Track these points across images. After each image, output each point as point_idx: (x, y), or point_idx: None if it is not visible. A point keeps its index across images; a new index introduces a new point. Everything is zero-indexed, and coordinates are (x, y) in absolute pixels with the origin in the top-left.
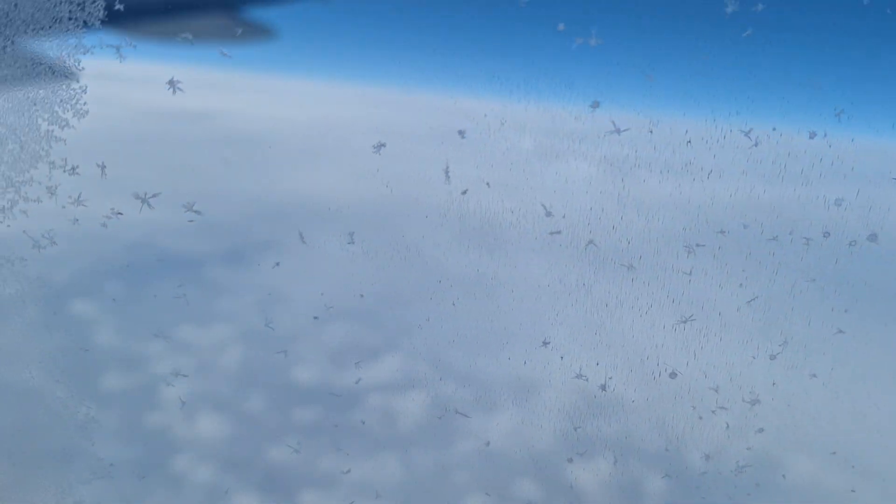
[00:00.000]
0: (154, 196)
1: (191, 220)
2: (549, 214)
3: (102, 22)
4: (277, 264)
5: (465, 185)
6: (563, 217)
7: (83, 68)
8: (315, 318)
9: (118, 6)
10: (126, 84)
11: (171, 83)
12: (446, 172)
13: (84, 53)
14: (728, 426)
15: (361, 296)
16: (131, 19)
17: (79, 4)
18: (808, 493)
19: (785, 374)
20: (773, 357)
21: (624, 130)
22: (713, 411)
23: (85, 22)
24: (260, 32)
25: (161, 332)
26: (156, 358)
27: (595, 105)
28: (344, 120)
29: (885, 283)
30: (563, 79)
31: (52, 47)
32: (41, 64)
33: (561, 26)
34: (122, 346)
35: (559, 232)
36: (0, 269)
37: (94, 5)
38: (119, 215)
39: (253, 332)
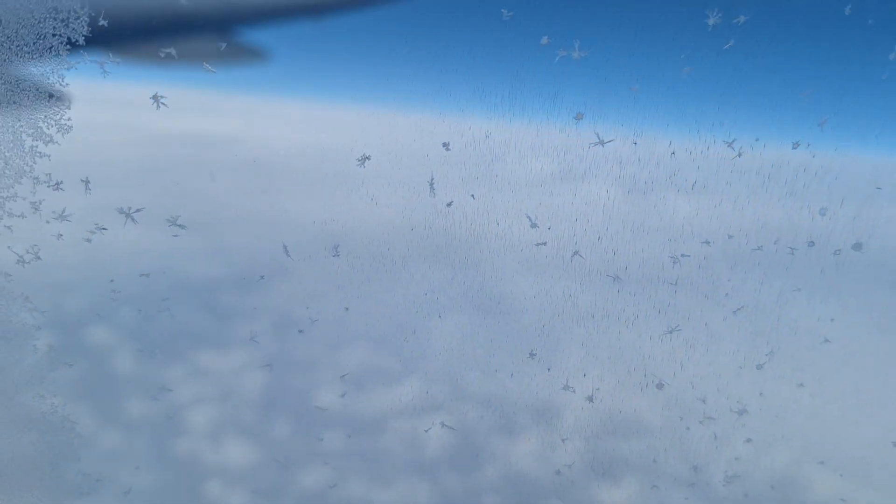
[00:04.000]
0: (138, 211)
1: (175, 235)
2: (534, 226)
3: (88, 41)
4: (262, 277)
5: (450, 198)
6: (549, 228)
7: (68, 84)
8: (300, 331)
9: (102, 22)
10: (112, 106)
11: (155, 98)
12: (431, 185)
13: (68, 69)
14: (716, 436)
15: (346, 309)
16: (119, 39)
17: (62, 21)
18: (797, 503)
19: (772, 383)
20: (760, 367)
21: (608, 142)
22: (701, 422)
23: (69, 39)
24: (249, 54)
25: (144, 347)
26: (141, 372)
27: (579, 117)
28: (330, 139)
29: (870, 292)
30: (547, 91)
31: (36, 65)
32: (25, 81)
33: (545, 40)
34: (107, 361)
35: (544, 243)
36: None
37: (77, 22)
38: (103, 230)
39: (238, 346)
